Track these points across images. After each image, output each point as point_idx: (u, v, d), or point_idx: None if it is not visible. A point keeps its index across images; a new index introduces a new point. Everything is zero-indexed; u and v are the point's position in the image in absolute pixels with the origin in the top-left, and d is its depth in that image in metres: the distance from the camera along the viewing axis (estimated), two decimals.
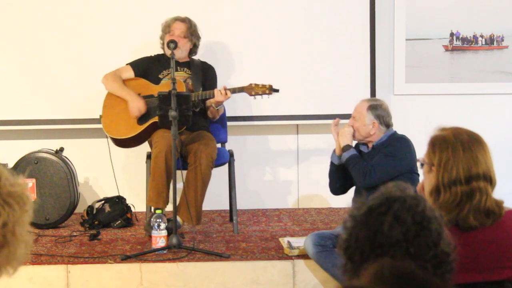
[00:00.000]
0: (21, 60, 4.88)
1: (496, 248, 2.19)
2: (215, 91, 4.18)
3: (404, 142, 3.67)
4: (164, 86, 4.28)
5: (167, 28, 4.45)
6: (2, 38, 4.87)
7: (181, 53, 4.40)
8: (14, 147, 4.92)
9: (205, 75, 4.49)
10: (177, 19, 4.46)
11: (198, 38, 4.51)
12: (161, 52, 4.55)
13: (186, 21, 4.45)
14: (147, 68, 4.48)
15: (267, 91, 4.19)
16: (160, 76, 4.46)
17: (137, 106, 4.29)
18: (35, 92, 4.89)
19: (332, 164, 3.83)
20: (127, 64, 4.50)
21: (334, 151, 3.81)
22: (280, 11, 4.97)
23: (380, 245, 1.51)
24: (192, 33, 4.46)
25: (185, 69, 4.48)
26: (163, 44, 4.48)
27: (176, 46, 4.04)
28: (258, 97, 4.21)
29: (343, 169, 3.76)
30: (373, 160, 3.64)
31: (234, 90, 4.20)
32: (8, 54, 4.88)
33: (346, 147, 3.70)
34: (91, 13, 4.89)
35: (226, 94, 4.15)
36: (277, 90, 4.20)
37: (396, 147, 3.64)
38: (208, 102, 4.37)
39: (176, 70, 4.38)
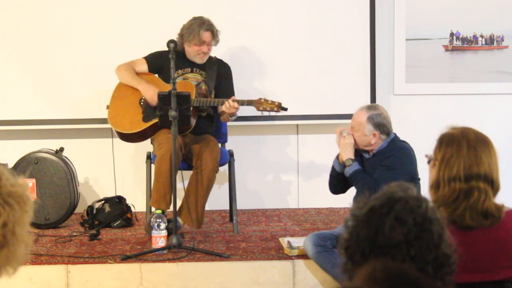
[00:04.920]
0: (21, 60, 4.88)
1: (496, 248, 2.19)
2: (225, 102, 4.13)
3: (403, 152, 3.62)
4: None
5: (196, 37, 4.29)
6: (2, 38, 4.88)
7: (206, 59, 4.38)
8: (14, 147, 4.92)
9: (219, 78, 4.44)
10: (207, 29, 4.31)
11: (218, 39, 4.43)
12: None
13: (213, 29, 4.34)
14: (162, 64, 4.37)
15: (275, 108, 4.14)
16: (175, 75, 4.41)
17: (155, 94, 4.18)
18: (35, 92, 4.89)
19: (333, 169, 3.81)
20: (142, 58, 4.44)
21: (337, 157, 3.77)
22: (280, 11, 4.97)
23: (381, 246, 1.50)
24: (216, 38, 4.38)
25: (201, 71, 4.42)
26: (182, 43, 4.36)
27: (176, 46, 4.02)
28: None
29: (344, 175, 3.73)
30: (375, 174, 3.60)
31: (242, 103, 4.15)
32: (9, 54, 4.88)
33: (348, 162, 3.66)
34: (92, 13, 4.89)
35: (234, 105, 4.10)
36: (285, 109, 4.15)
37: (397, 158, 3.59)
38: (220, 108, 4.29)
39: (191, 72, 4.40)
